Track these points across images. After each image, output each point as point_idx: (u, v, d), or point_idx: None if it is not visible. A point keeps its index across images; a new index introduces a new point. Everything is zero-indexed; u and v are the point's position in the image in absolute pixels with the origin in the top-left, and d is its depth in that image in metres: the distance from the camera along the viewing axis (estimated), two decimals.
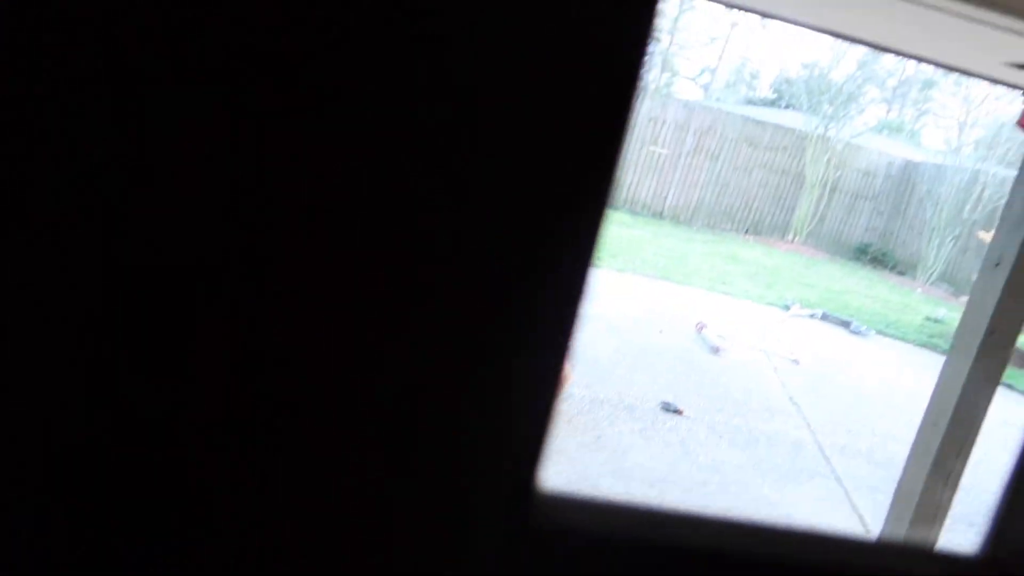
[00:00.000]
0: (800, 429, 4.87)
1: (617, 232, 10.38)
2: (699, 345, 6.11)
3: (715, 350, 6.01)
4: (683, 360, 5.65)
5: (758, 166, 13.21)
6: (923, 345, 8.14)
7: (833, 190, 13.31)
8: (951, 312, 9.22)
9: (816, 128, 13.29)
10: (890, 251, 13.44)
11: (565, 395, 4.43)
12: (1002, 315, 2.84)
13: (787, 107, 20.67)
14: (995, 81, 4.70)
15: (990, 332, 2.88)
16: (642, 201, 12.96)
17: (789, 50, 33.15)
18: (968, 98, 16.69)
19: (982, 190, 12.15)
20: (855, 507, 3.94)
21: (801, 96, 15.17)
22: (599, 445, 3.99)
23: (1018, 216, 2.79)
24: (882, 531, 3.46)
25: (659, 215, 12.97)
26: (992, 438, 5.21)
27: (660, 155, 12.89)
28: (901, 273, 12.91)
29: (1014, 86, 4.08)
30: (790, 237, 13.35)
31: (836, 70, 17.19)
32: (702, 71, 38.05)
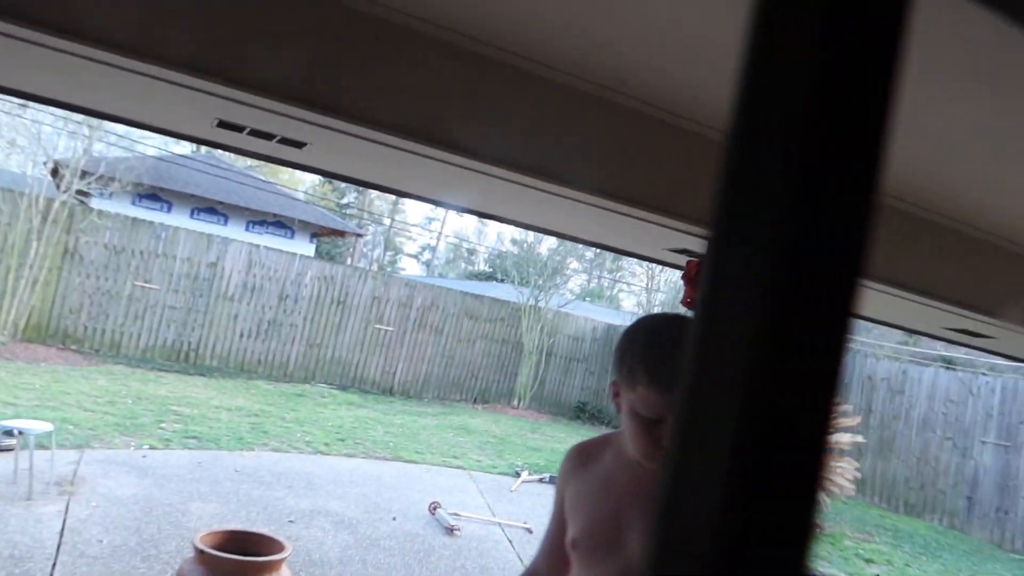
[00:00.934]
0: None
1: (345, 414, 10.11)
2: (433, 527, 5.96)
3: (450, 530, 5.89)
4: (418, 547, 5.45)
5: (480, 337, 13.82)
6: None
7: (549, 355, 14.24)
8: None
9: (528, 299, 14.32)
10: (604, 407, 14.47)
11: None
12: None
13: (502, 280, 22.16)
14: (660, 263, 5.38)
15: None
16: (371, 379, 12.88)
17: (500, 227, 36.10)
18: (651, 267, 19.10)
19: None
20: None
21: (513, 270, 16.39)
22: None
23: None
24: None
25: (388, 392, 12.93)
26: None
27: (386, 332, 13.02)
28: (616, 427, 13.88)
29: (674, 265, 4.69)
30: (515, 402, 13.90)
31: (541, 245, 18.91)
32: (423, 248, 39.99)
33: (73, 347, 11.08)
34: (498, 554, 5.65)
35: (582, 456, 1.59)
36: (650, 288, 18.15)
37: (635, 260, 25.20)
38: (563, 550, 1.48)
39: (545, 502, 7.48)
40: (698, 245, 3.64)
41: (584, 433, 12.59)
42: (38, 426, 5.29)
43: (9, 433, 5.38)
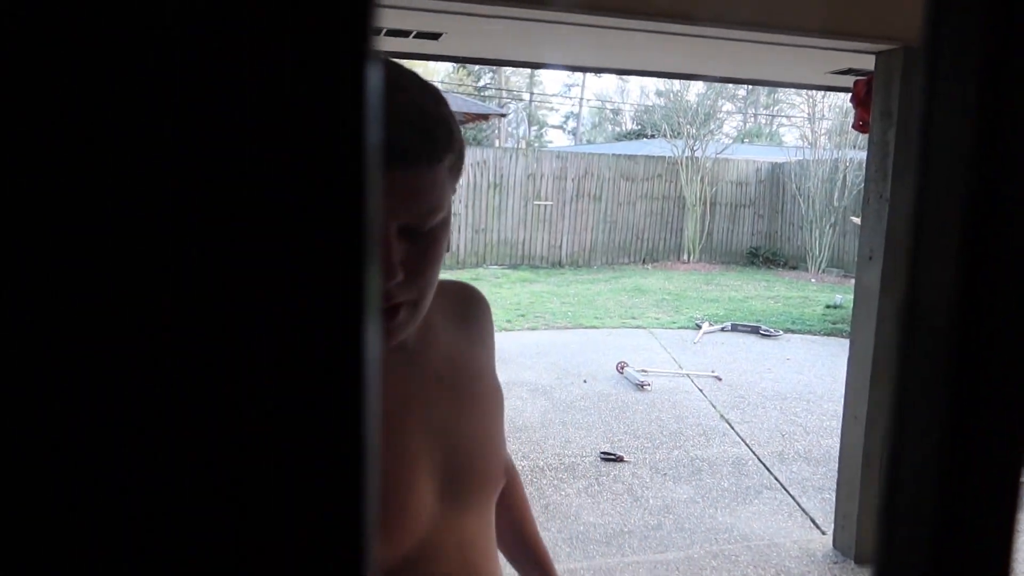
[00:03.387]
0: (737, 446, 4.96)
1: (520, 291, 10.48)
2: (623, 385, 6.19)
3: (640, 386, 6.09)
4: (612, 404, 5.70)
5: (639, 197, 13.67)
6: (828, 333, 8.49)
7: (713, 204, 13.88)
8: (847, 294, 9.67)
9: (683, 151, 13.89)
10: (779, 249, 14.05)
11: None
12: (886, 303, 2.99)
13: (652, 136, 21.56)
14: (822, 88, 5.04)
15: (880, 321, 3.03)
16: (539, 255, 13.17)
17: (642, 80, 34.77)
18: (811, 94, 17.81)
19: (844, 176, 12.92)
20: (806, 512, 4.02)
21: (663, 123, 15.87)
22: (549, 513, 3.95)
23: (875, 211, 2.97)
24: (834, 530, 3.54)
25: (558, 264, 13.20)
26: None
27: (545, 207, 13.17)
28: (794, 268, 13.49)
29: (838, 88, 4.39)
30: (685, 257, 13.79)
31: (688, 92, 18.09)
32: (566, 117, 39.38)
33: None
34: (691, 403, 5.80)
35: None
36: (813, 117, 17.01)
37: (793, 91, 23.57)
38: None
39: (730, 351, 7.52)
40: (863, 62, 3.38)
41: (760, 279, 12.36)
42: None
43: None
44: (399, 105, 0.66)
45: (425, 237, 0.70)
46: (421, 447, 0.77)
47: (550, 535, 3.70)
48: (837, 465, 3.54)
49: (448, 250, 0.73)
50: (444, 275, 0.80)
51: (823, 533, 3.74)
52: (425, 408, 0.79)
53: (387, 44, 3.88)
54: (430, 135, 0.67)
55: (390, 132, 0.65)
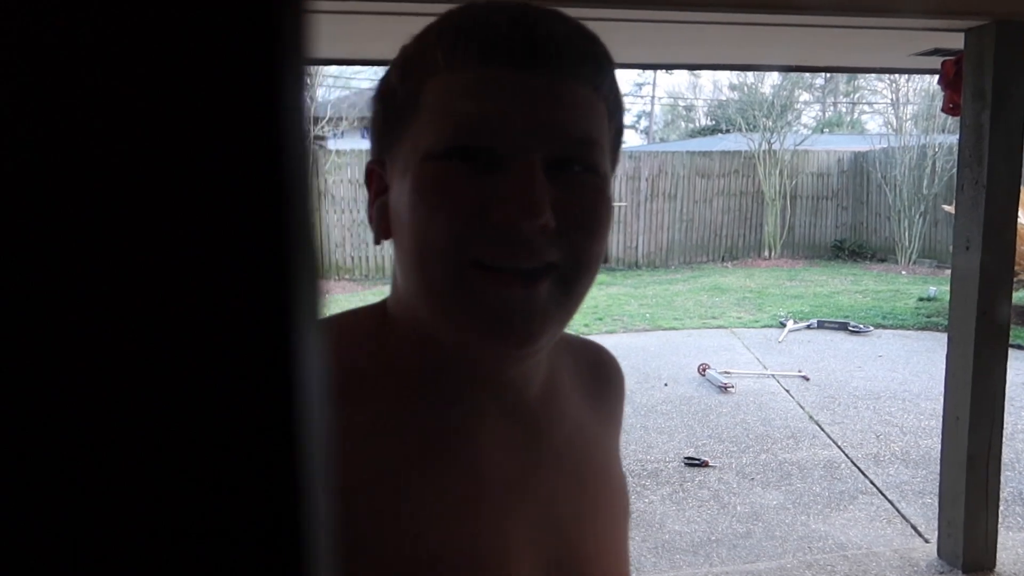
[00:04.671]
0: (828, 448, 4.76)
1: (597, 294, 10.38)
2: (706, 388, 6.03)
3: (723, 388, 5.93)
4: (695, 408, 5.56)
5: (716, 194, 13.38)
6: (923, 328, 8.10)
7: (793, 198, 13.47)
8: (941, 286, 9.21)
9: (760, 144, 13.54)
10: (865, 241, 13.53)
11: None
12: (986, 296, 2.80)
13: (727, 131, 21.12)
14: (906, 71, 4.81)
15: (981, 314, 2.84)
16: (614, 257, 13.03)
17: (714, 75, 34.13)
18: (894, 78, 17.11)
19: (933, 162, 12.34)
20: (906, 518, 3.81)
21: (737, 117, 15.51)
22: (633, 522, 3.86)
23: (971, 198, 2.79)
24: (938, 538, 3.34)
25: (634, 265, 13.03)
26: (1016, 404, 5.12)
27: (620, 208, 13.03)
28: (882, 260, 12.96)
29: (923, 71, 4.17)
30: (766, 253, 13.42)
31: (763, 84, 17.65)
32: (638, 117, 39.01)
33: (346, 276, 12.36)
34: (777, 405, 5.61)
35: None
36: (897, 102, 16.34)
37: (874, 76, 22.72)
38: None
39: (817, 349, 7.25)
40: (951, 41, 3.19)
41: (847, 273, 11.92)
42: None
43: None
44: (549, 13, 0.52)
45: (578, 183, 0.52)
46: (527, 541, 0.58)
47: (635, 544, 3.61)
48: (939, 468, 3.34)
49: (606, 260, 0.58)
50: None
51: (926, 541, 3.54)
52: (539, 492, 0.60)
53: None
54: (589, 51, 0.52)
55: (536, 30, 0.50)
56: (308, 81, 0.14)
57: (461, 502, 0.56)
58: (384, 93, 0.55)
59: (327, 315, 0.60)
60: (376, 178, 0.58)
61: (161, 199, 0.12)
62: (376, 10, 2.53)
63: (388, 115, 0.55)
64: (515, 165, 0.49)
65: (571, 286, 0.53)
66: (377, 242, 0.59)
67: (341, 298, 10.76)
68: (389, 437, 0.54)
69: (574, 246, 0.52)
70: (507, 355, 0.54)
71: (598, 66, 0.53)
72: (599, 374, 0.72)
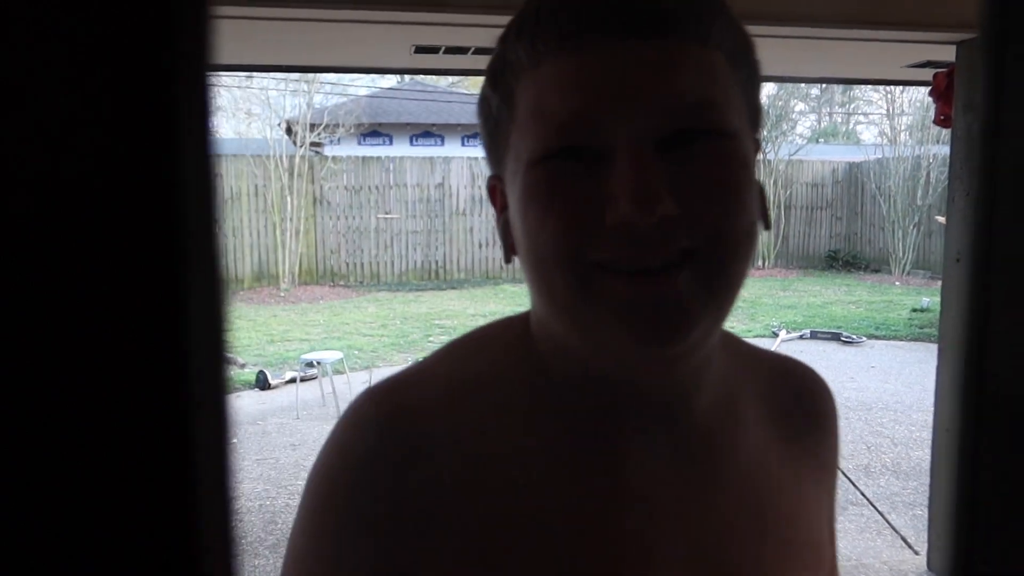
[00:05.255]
0: None
1: None
2: None
3: None
4: None
5: None
6: (915, 338, 8.12)
7: (788, 208, 13.51)
8: (935, 297, 9.23)
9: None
10: (859, 252, 13.57)
11: None
12: (976, 309, 2.81)
13: None
14: (899, 83, 4.82)
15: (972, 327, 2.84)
16: None
17: None
18: (889, 88, 17.19)
19: (927, 173, 12.39)
20: (896, 530, 3.81)
21: None
22: None
23: (961, 210, 2.80)
24: (928, 550, 3.34)
25: None
26: None
27: None
28: (876, 271, 13.00)
29: (916, 83, 4.18)
30: (760, 263, 13.45)
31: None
32: None
33: (341, 282, 12.34)
34: None
35: (422, 444, 0.49)
36: (892, 113, 16.42)
37: (870, 87, 22.84)
38: None
39: (810, 359, 7.24)
40: (942, 53, 3.21)
41: (840, 283, 11.94)
42: (331, 355, 6.00)
43: (310, 364, 6.27)
44: None
45: (702, 154, 0.45)
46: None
47: None
48: (929, 479, 3.34)
49: (767, 227, 0.50)
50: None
51: (916, 553, 3.54)
52: (706, 542, 0.51)
53: (446, 62, 3.88)
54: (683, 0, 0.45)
55: None
56: (211, 84, 0.13)
57: (602, 524, 0.50)
58: (483, 104, 0.52)
59: (468, 332, 0.57)
60: (498, 194, 0.54)
61: (51, 198, 0.12)
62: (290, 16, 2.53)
63: (489, 127, 0.52)
64: (620, 154, 0.44)
65: (717, 269, 0.45)
66: (507, 260, 0.54)
67: (336, 304, 10.74)
68: (536, 463, 0.50)
69: (709, 225, 0.45)
70: (651, 359, 0.47)
71: (697, 14, 0.45)
72: (804, 407, 0.60)
